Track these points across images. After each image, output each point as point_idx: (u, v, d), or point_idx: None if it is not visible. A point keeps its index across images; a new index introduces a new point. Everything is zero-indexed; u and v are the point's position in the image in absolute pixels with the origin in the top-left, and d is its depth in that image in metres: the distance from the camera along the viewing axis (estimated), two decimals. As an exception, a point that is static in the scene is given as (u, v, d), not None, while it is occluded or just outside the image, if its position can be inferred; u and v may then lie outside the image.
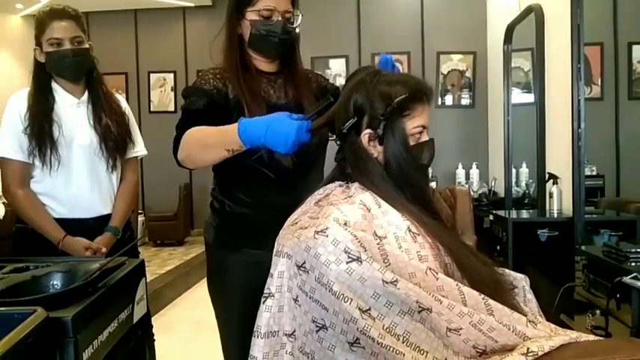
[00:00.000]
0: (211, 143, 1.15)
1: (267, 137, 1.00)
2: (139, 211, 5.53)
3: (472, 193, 4.05)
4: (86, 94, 1.73)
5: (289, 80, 1.39)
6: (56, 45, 1.63)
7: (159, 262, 5.03)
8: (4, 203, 4.08)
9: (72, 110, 1.69)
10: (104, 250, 1.63)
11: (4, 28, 6.10)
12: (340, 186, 1.01)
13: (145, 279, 1.19)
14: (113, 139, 1.71)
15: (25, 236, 1.67)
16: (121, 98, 1.84)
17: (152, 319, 1.20)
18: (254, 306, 0.93)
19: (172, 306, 3.99)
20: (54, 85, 1.69)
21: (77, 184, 1.68)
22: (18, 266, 1.10)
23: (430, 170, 4.35)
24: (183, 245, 6.08)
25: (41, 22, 1.64)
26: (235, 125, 1.05)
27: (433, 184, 4.23)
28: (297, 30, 1.35)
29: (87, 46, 1.69)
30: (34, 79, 1.68)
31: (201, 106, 1.26)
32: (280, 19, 1.30)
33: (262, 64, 1.37)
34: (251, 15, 1.30)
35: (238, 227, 1.34)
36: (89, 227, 1.67)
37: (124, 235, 1.76)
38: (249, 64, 1.35)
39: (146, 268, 1.24)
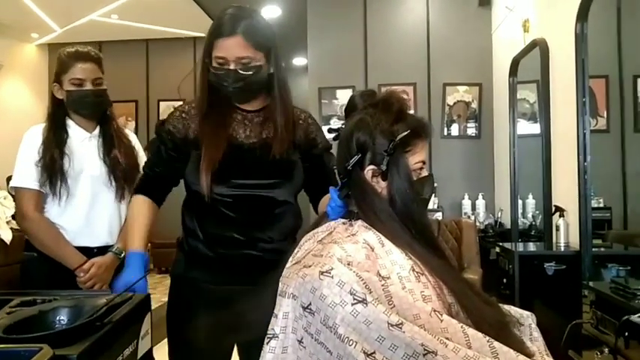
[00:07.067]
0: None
1: None
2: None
3: (478, 223, 4.03)
4: (98, 129, 1.81)
5: (270, 120, 1.35)
6: (78, 85, 1.71)
7: (163, 290, 4.99)
8: (12, 228, 4.12)
9: (84, 143, 1.77)
10: (92, 270, 1.69)
11: (19, 56, 6.24)
12: (343, 224, 1.01)
13: (151, 313, 1.19)
14: (122, 170, 1.78)
15: (34, 265, 1.71)
16: (131, 133, 1.93)
17: (156, 347, 1.21)
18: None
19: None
20: (68, 120, 1.78)
21: (84, 213, 1.73)
22: (25, 299, 1.10)
23: (437, 200, 4.35)
24: (189, 272, 6.05)
25: (65, 62, 1.72)
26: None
27: (439, 215, 4.21)
28: (263, 72, 1.28)
29: (105, 87, 1.78)
30: (51, 115, 1.77)
31: (158, 148, 1.41)
32: (232, 67, 1.26)
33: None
34: (210, 63, 1.29)
35: (195, 262, 1.39)
36: (93, 256, 1.72)
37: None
38: (220, 103, 1.34)
39: (151, 297, 1.24)
